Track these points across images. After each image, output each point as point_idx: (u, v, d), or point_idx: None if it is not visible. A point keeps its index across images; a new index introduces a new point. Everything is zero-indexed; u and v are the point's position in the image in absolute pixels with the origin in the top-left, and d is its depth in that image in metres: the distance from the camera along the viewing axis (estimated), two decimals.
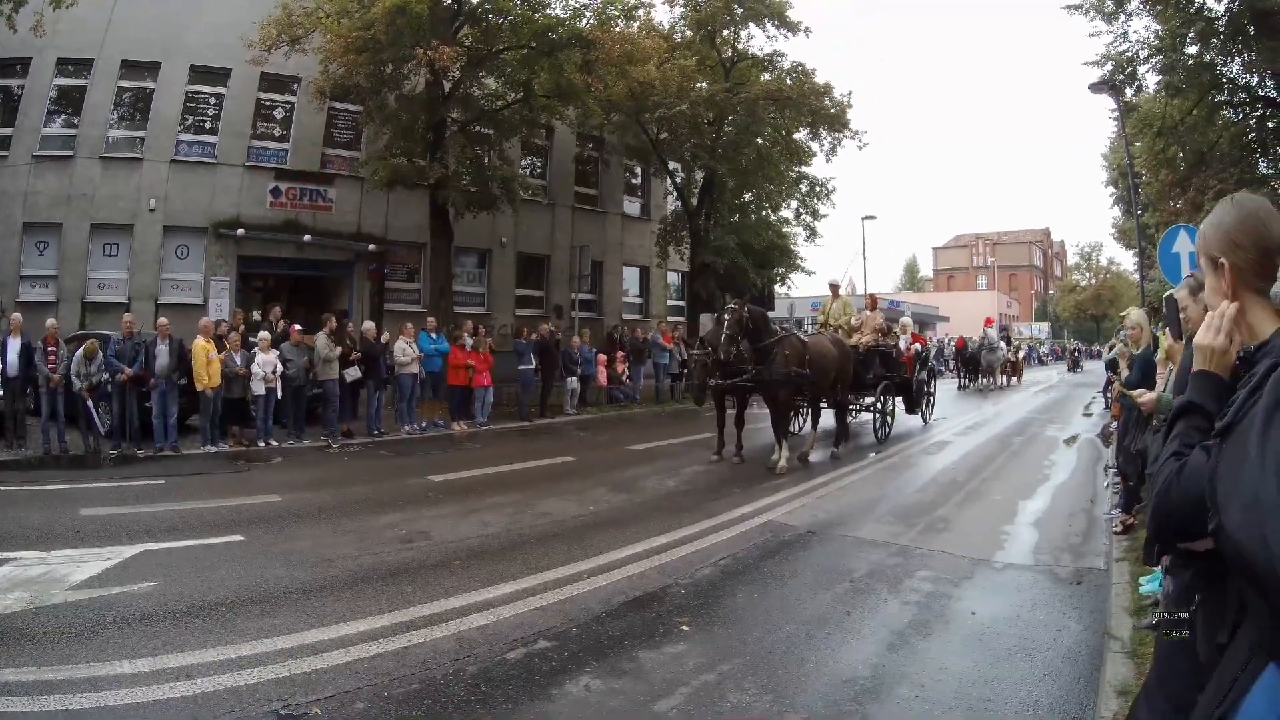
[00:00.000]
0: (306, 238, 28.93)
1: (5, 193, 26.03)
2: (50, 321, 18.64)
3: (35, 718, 5.78)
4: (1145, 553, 2.64)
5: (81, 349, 17.85)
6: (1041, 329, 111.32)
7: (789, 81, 35.66)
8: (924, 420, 24.24)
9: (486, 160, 29.17)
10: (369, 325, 22.29)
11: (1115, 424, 13.13)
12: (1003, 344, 45.14)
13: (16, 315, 18.72)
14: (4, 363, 17.26)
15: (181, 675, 6.44)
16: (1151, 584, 7.97)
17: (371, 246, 30.30)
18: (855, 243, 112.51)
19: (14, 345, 17.38)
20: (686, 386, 30.33)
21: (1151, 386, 8.05)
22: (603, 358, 29.85)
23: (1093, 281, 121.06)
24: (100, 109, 27.22)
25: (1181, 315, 4.36)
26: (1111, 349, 16.40)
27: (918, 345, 24.87)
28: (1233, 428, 2.04)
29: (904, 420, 22.77)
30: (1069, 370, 63.56)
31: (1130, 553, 9.55)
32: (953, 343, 50.76)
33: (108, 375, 17.81)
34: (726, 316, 16.33)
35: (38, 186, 26.33)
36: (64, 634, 7.28)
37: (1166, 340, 6.95)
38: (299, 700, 6.08)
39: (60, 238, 26.58)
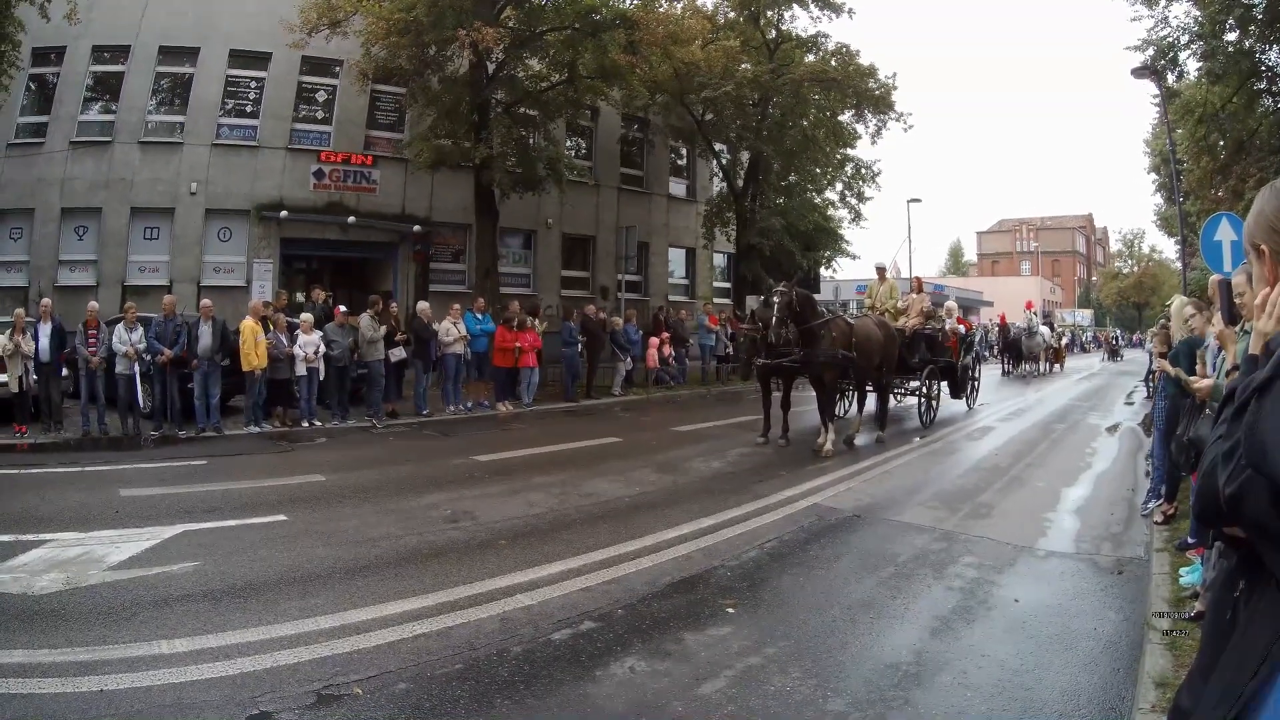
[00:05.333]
0: (350, 219, 29.09)
1: (42, 179, 26.43)
2: (91, 304, 18.84)
3: (70, 699, 5.75)
4: (1198, 532, 2.62)
5: (121, 321, 18.02)
6: (1084, 315, 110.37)
7: (833, 63, 35.39)
8: (968, 405, 24.09)
9: (531, 141, 29.16)
10: (423, 306, 22.36)
11: (1154, 412, 13.05)
12: (1044, 329, 44.72)
13: (46, 300, 18.95)
14: (36, 347, 17.45)
15: (220, 655, 6.47)
16: (1191, 575, 7.94)
17: (416, 228, 30.40)
18: (900, 225, 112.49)
19: (44, 330, 17.58)
20: (733, 368, 30.51)
21: (1192, 374, 8.00)
22: (654, 340, 29.85)
23: (1135, 269, 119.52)
24: (138, 94, 27.51)
25: (1238, 300, 4.33)
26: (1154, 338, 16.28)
27: (962, 329, 24.73)
28: (1273, 382, 2.05)
29: (948, 405, 22.65)
30: (1106, 359, 62.46)
31: (1170, 543, 9.50)
32: (995, 324, 50.49)
33: (150, 355, 17.97)
34: (776, 300, 16.27)
35: (75, 172, 26.69)
36: (100, 615, 7.32)
37: (1216, 326, 6.89)
38: (340, 680, 6.11)
39: (100, 222, 26.96)
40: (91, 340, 17.71)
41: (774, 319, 16.11)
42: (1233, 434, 2.13)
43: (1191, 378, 7.33)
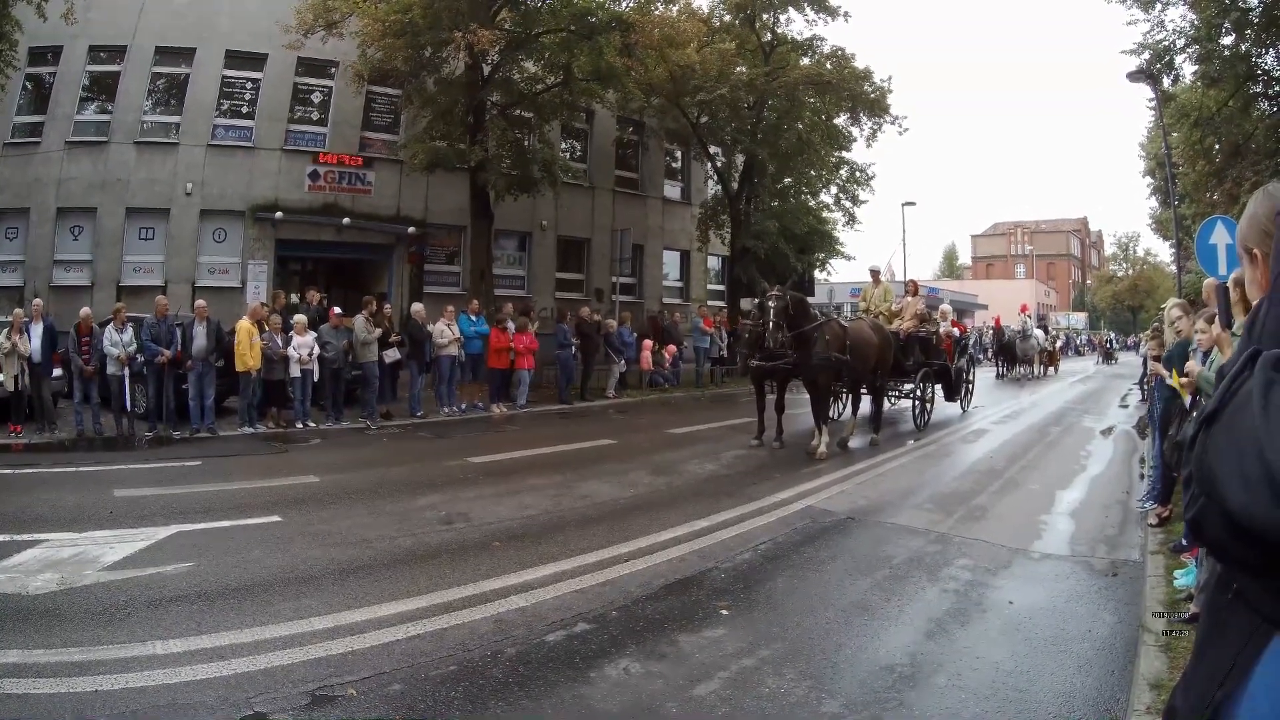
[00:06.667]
0: (345, 221, 29.05)
1: (38, 179, 26.40)
2: (84, 310, 18.81)
3: (64, 699, 5.76)
4: (1186, 534, 2.61)
5: (110, 323, 18.08)
6: (1079, 319, 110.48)
7: (829, 66, 35.31)
8: (963, 408, 24.09)
9: (527, 143, 29.24)
10: (418, 308, 22.37)
11: (1149, 414, 13.07)
12: (1039, 333, 44.77)
13: (38, 300, 19.03)
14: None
15: (215, 656, 6.48)
16: (1186, 578, 7.96)
17: (411, 229, 30.39)
18: (895, 228, 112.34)
19: (36, 330, 17.57)
20: (727, 371, 30.56)
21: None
22: (648, 343, 29.91)
23: (1130, 272, 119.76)
24: (134, 95, 27.53)
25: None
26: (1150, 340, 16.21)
27: (957, 332, 24.74)
28: (1220, 412, 2.05)
29: (942, 408, 22.66)
30: (1101, 362, 62.33)
31: (1165, 545, 9.52)
32: (990, 327, 50.60)
33: (142, 357, 17.98)
34: (771, 305, 16.23)
35: (71, 172, 26.67)
36: (95, 615, 7.32)
37: (1215, 328, 6.92)
38: (334, 681, 6.11)
39: (95, 222, 26.94)
40: (85, 347, 17.71)
41: (770, 324, 16.11)
42: (1188, 462, 2.15)
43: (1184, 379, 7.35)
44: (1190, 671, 2.57)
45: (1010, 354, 41.86)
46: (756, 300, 19.04)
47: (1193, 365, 6.73)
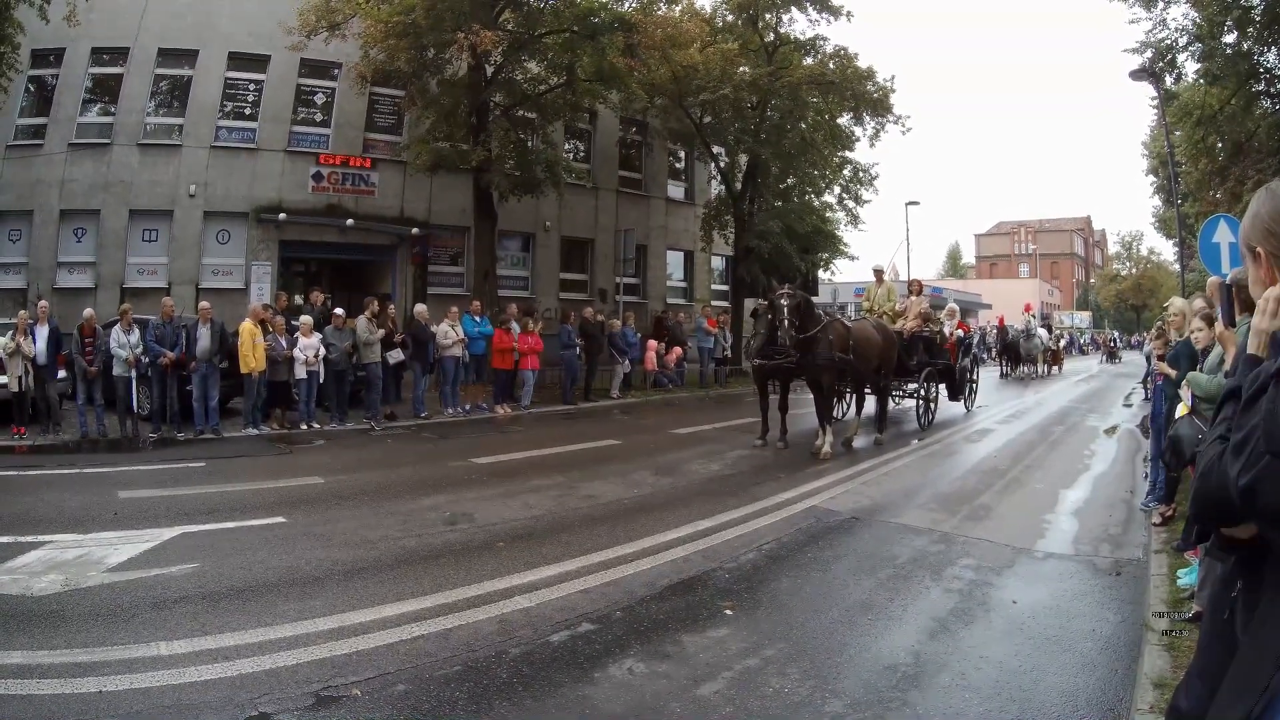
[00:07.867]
0: (349, 222, 29.06)
1: (41, 181, 26.44)
2: (88, 312, 18.78)
3: (69, 700, 5.75)
4: (1184, 535, 2.61)
5: (118, 324, 18.09)
6: (1083, 318, 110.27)
7: (831, 66, 35.22)
8: (966, 408, 24.07)
9: (530, 144, 29.18)
10: (421, 308, 22.37)
11: (1152, 413, 13.06)
12: (1043, 332, 44.70)
13: (43, 303, 19.04)
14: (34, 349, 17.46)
15: (219, 657, 6.48)
16: (1189, 577, 7.94)
17: (414, 230, 30.40)
18: (898, 228, 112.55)
19: (41, 333, 17.60)
20: (730, 369, 30.55)
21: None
22: (653, 343, 29.96)
23: (1133, 271, 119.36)
24: (137, 97, 27.56)
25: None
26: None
27: (961, 332, 24.70)
28: None
29: (946, 407, 22.65)
30: (1105, 361, 62.07)
31: (1168, 544, 9.50)
32: (994, 326, 50.51)
33: (147, 358, 18.02)
34: (784, 302, 16.25)
35: (74, 174, 26.72)
36: (100, 616, 7.32)
37: (1218, 327, 6.92)
38: (339, 682, 6.11)
39: (98, 224, 26.97)
40: (88, 349, 17.71)
41: (784, 323, 16.10)
42: (1244, 426, 2.13)
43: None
44: (1195, 670, 2.57)
45: (1014, 353, 41.82)
46: (767, 299, 18.97)
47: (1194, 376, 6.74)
